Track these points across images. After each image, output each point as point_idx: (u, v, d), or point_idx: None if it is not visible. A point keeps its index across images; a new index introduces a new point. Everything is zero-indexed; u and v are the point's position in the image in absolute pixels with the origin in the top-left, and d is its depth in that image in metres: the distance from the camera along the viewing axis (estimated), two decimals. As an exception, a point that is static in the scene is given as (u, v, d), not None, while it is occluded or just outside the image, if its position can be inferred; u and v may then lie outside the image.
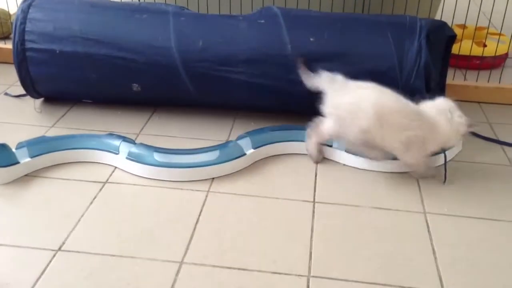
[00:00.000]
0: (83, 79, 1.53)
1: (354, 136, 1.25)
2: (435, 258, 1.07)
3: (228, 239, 1.11)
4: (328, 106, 1.28)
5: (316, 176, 1.33)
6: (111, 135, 1.38)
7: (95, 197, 1.23)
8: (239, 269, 1.04)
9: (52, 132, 1.48)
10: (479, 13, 1.83)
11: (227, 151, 1.33)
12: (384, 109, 1.23)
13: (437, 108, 1.29)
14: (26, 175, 1.29)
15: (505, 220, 1.19)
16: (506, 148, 1.47)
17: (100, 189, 1.26)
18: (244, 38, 1.47)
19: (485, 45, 1.91)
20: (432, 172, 1.33)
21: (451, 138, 1.29)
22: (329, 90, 1.29)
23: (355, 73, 1.43)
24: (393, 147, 1.26)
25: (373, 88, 1.27)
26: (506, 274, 1.04)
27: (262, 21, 1.50)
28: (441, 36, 1.52)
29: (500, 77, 1.77)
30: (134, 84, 1.52)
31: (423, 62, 1.42)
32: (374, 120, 1.22)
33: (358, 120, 1.23)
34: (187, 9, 1.60)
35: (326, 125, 1.31)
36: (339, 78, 1.30)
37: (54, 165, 1.33)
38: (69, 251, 1.07)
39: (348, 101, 1.26)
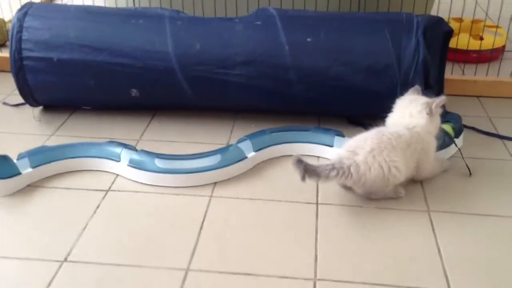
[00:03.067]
0: (81, 86, 1.53)
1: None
2: (441, 257, 1.07)
3: (233, 244, 1.12)
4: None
5: (318, 177, 1.33)
6: (112, 142, 1.38)
7: (98, 206, 1.23)
8: (245, 274, 1.04)
9: (52, 141, 1.48)
10: (475, 6, 1.83)
11: (229, 155, 1.33)
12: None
13: (399, 115, 1.28)
14: (28, 185, 1.29)
15: (509, 216, 1.19)
16: (507, 142, 1.47)
17: (103, 198, 1.26)
18: (241, 40, 1.47)
19: (482, 38, 1.91)
20: (447, 164, 1.35)
21: (430, 129, 1.26)
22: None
23: (353, 72, 1.44)
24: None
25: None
26: (512, 270, 1.04)
27: (259, 23, 1.50)
28: (438, 32, 1.52)
29: (499, 70, 1.77)
30: (133, 90, 1.52)
31: (421, 59, 1.42)
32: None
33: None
34: (183, 12, 1.59)
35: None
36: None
37: (56, 174, 1.33)
38: (75, 261, 1.07)
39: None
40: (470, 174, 1.33)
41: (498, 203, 1.23)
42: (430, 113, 1.24)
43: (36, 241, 1.12)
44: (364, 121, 1.51)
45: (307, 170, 1.16)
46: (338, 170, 1.18)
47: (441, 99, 1.25)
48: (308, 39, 1.44)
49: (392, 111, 1.31)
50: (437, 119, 1.28)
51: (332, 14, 1.56)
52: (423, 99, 1.27)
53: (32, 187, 1.29)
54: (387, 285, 1.01)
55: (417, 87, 1.32)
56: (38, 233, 1.15)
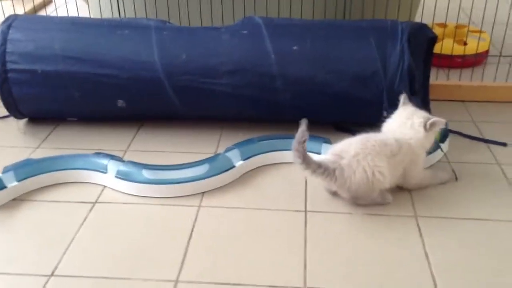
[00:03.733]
0: (67, 98, 1.52)
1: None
2: (429, 262, 1.08)
3: (222, 254, 1.11)
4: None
5: (306, 184, 1.33)
6: (98, 154, 1.37)
7: (85, 218, 1.22)
8: (235, 284, 1.03)
9: (37, 153, 1.47)
10: (459, 11, 1.85)
11: (216, 164, 1.33)
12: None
13: (398, 122, 1.29)
14: (13, 199, 1.28)
15: (495, 220, 1.20)
16: (492, 146, 1.49)
17: (90, 210, 1.25)
18: (227, 49, 1.47)
19: (465, 43, 1.93)
20: (445, 175, 1.34)
21: (424, 144, 1.28)
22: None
23: (339, 80, 1.45)
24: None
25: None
26: (503, 275, 1.05)
27: (245, 32, 1.50)
28: (422, 38, 1.53)
29: (483, 75, 1.79)
30: (119, 100, 1.51)
31: (406, 65, 1.43)
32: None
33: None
34: (169, 22, 1.59)
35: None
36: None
37: (42, 187, 1.32)
38: (62, 276, 1.06)
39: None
40: (457, 178, 1.34)
41: (484, 207, 1.24)
42: (425, 129, 1.25)
43: (22, 255, 1.11)
44: (351, 128, 1.51)
45: (304, 155, 1.18)
46: (324, 171, 1.19)
47: (439, 121, 1.26)
48: (294, 48, 1.45)
49: (389, 118, 1.32)
50: (432, 136, 1.29)
51: (317, 22, 1.57)
52: (425, 114, 1.28)
53: (17, 200, 1.27)
54: (376, 292, 1.01)
55: (404, 94, 1.33)
56: (24, 248, 1.13)
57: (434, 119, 1.26)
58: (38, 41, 1.49)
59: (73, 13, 1.93)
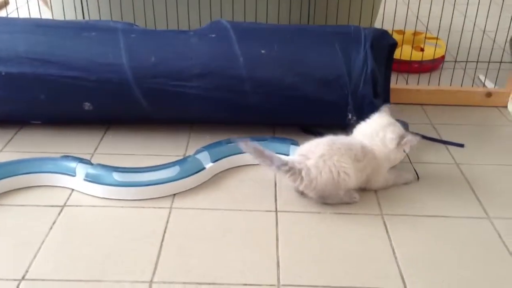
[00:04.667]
0: (31, 100, 1.49)
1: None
2: (396, 257, 1.13)
3: (195, 254, 1.12)
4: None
5: (275, 185, 1.36)
6: (66, 157, 1.35)
7: (54, 222, 1.20)
8: (209, 284, 1.05)
9: (1, 157, 1.43)
10: (416, 19, 1.94)
11: (187, 166, 1.34)
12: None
13: (371, 130, 1.32)
14: (-22, 204, 1.25)
15: (456, 217, 1.26)
16: (450, 147, 1.56)
17: (59, 213, 1.23)
18: (196, 53, 1.49)
19: (422, 50, 2.02)
20: (409, 176, 1.39)
21: (391, 158, 1.31)
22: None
23: (306, 83, 1.48)
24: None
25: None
26: (462, 267, 1.11)
27: (213, 35, 1.52)
28: (383, 44, 1.59)
29: (439, 79, 1.88)
30: (86, 103, 1.50)
31: (369, 70, 1.49)
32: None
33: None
34: (136, 25, 1.59)
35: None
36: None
37: (9, 191, 1.29)
38: (33, 279, 1.04)
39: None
40: (418, 178, 1.40)
41: (445, 205, 1.30)
42: (397, 145, 1.29)
43: (-10, 260, 1.09)
44: (318, 130, 1.55)
45: (260, 153, 1.22)
46: (290, 169, 1.23)
47: (413, 139, 1.29)
48: (262, 51, 1.48)
49: (364, 122, 1.35)
50: (401, 153, 1.33)
51: (284, 27, 1.60)
52: (400, 130, 1.31)
53: (-17, 205, 1.25)
54: (347, 287, 1.05)
55: (387, 105, 1.37)
56: (-8, 252, 1.11)
57: (407, 138, 1.29)
58: (1, 43, 1.46)
59: (34, 14, 1.89)
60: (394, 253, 1.14)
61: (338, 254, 1.13)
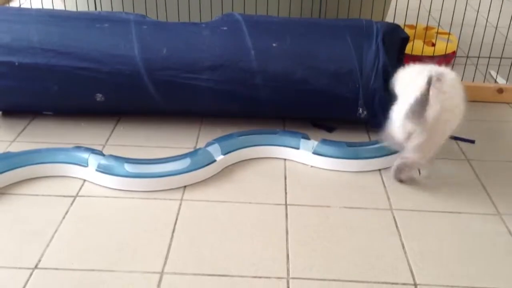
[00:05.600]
0: (44, 91, 1.50)
1: None
2: (405, 252, 1.13)
3: (206, 246, 1.13)
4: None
5: (285, 179, 1.36)
6: (78, 147, 1.37)
7: (67, 212, 1.22)
8: (220, 275, 1.06)
9: (14, 147, 1.45)
10: (429, 15, 1.93)
11: (198, 159, 1.35)
12: None
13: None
14: (-8, 192, 1.26)
15: (466, 212, 1.26)
16: (461, 143, 1.55)
17: (71, 203, 1.24)
18: (208, 45, 1.49)
19: (433, 44, 2.01)
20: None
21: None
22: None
23: (317, 77, 1.48)
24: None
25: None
26: (472, 263, 1.11)
27: (225, 28, 1.52)
28: (395, 38, 1.59)
29: (451, 75, 1.86)
30: (98, 94, 1.51)
31: (381, 64, 1.48)
32: None
33: None
34: (148, 17, 1.59)
35: None
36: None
37: (22, 181, 1.30)
38: (46, 268, 1.05)
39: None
40: (420, 173, 1.39)
41: (455, 201, 1.30)
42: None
43: (4, 249, 1.10)
44: (328, 124, 1.56)
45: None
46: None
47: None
48: (274, 44, 1.48)
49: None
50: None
51: (296, 20, 1.60)
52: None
53: (-4, 194, 1.26)
54: (356, 281, 1.05)
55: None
56: (6, 241, 1.12)
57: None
58: (14, 33, 1.47)
59: (47, 5, 1.90)
60: (403, 247, 1.14)
61: (347, 248, 1.14)
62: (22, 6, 2.16)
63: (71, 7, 1.87)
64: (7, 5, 2.41)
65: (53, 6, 1.88)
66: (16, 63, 1.45)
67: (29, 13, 1.53)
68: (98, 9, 1.81)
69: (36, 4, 1.89)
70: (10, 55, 1.45)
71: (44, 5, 1.88)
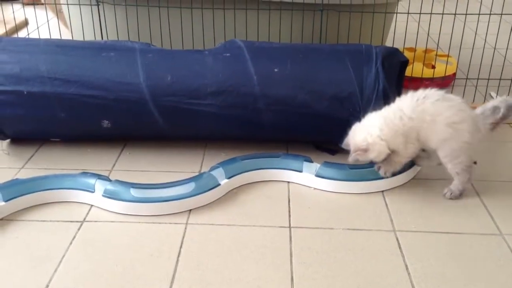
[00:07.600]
0: (51, 119, 1.53)
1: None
2: (409, 273, 1.14)
3: (211, 269, 1.15)
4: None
5: (289, 201, 1.38)
6: (85, 173, 1.39)
7: (74, 237, 1.24)
8: (225, 298, 1.07)
9: (22, 174, 1.48)
10: (427, 37, 1.96)
11: (202, 183, 1.37)
12: None
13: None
14: (1, 219, 1.28)
15: (468, 233, 1.27)
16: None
17: (79, 229, 1.27)
18: (211, 71, 1.53)
19: (433, 67, 2.04)
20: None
21: None
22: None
23: (318, 100, 1.51)
24: None
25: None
26: (475, 284, 1.12)
27: (228, 54, 1.56)
28: (394, 62, 1.62)
29: (451, 96, 1.89)
30: (104, 121, 1.54)
31: (381, 87, 1.51)
32: None
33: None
34: (153, 45, 1.64)
35: None
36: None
37: (30, 207, 1.33)
38: (54, 293, 1.07)
39: None
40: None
41: (457, 221, 1.31)
42: None
43: (12, 274, 1.12)
44: (330, 147, 1.58)
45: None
46: None
47: None
48: (275, 70, 1.51)
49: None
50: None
51: (296, 46, 1.64)
52: None
53: (5, 220, 1.28)
54: (361, 302, 1.06)
55: None
56: (14, 267, 1.14)
57: None
58: (23, 63, 1.51)
59: (55, 34, 1.95)
60: (407, 269, 1.15)
61: (350, 270, 1.15)
62: (30, 35, 2.22)
63: (78, 37, 1.92)
64: (16, 34, 2.47)
65: (60, 36, 1.93)
66: (25, 92, 1.49)
67: (37, 43, 1.57)
68: (105, 38, 1.85)
69: (44, 34, 1.94)
70: (19, 84, 1.49)
71: (52, 35, 1.93)
